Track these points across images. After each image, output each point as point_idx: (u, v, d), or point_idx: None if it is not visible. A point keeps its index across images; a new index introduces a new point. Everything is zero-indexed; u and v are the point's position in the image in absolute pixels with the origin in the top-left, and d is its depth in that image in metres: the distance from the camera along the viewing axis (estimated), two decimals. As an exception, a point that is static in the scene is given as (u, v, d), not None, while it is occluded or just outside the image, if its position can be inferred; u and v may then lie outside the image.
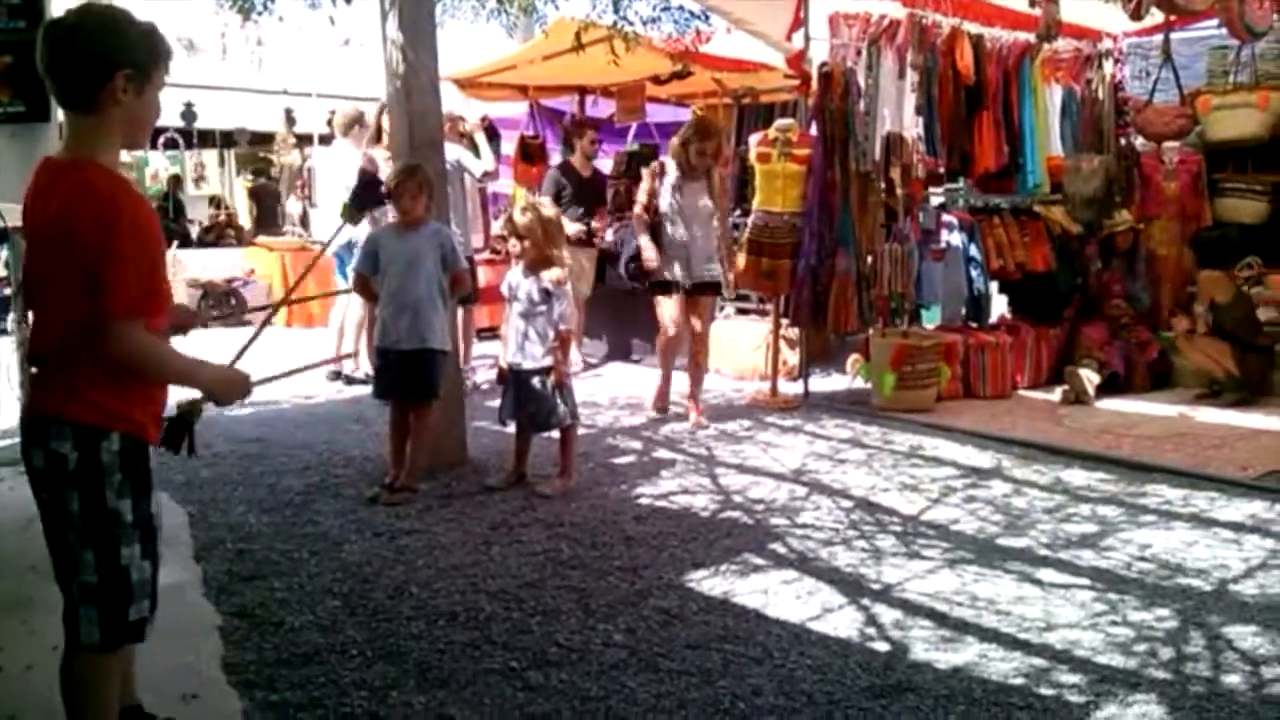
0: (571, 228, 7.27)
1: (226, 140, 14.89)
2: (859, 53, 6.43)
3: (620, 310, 7.88)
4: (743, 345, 7.48)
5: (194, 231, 14.01)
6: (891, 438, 5.78)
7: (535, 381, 4.68)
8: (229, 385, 2.38)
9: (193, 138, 14.02)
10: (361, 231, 5.99)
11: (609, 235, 7.96)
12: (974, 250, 7.14)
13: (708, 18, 7.30)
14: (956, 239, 7.11)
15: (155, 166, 15.75)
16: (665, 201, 6.03)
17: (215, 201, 15.15)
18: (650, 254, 6.00)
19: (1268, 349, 6.56)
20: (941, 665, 3.00)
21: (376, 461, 5.08)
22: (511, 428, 4.90)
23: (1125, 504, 4.56)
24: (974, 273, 7.19)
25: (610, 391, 7.04)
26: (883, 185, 6.50)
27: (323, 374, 7.04)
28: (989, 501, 4.61)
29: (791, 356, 7.11)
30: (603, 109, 9.91)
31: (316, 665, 2.99)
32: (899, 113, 6.50)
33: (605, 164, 9.40)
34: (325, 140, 10.88)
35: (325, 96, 12.24)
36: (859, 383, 6.68)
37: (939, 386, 6.44)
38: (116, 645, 2.23)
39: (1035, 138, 7.20)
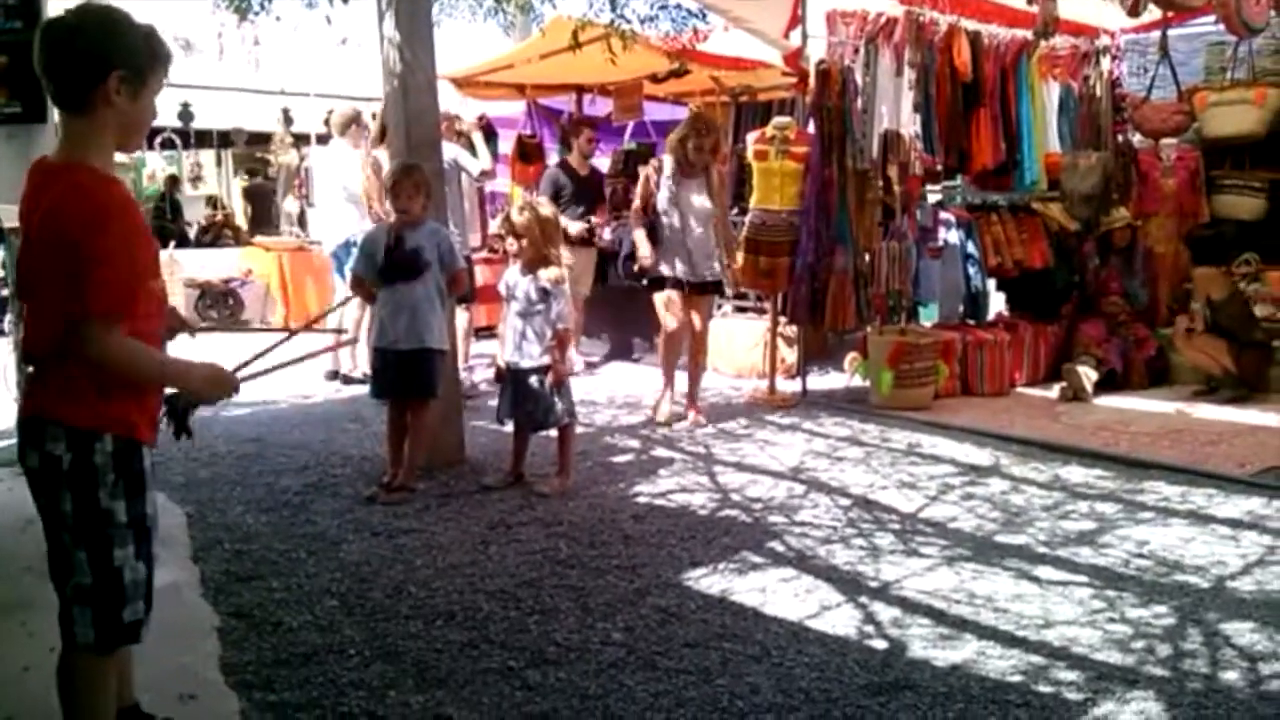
0: (574, 227, 7.26)
1: (223, 140, 14.90)
2: (856, 50, 6.42)
3: (620, 310, 7.87)
4: (740, 343, 7.48)
5: (191, 232, 14.02)
6: (889, 435, 5.78)
7: (533, 380, 4.68)
8: (213, 383, 2.35)
9: (189, 138, 14.01)
10: (361, 232, 5.99)
11: (607, 234, 7.96)
12: (971, 248, 7.13)
13: (705, 16, 7.31)
14: (954, 236, 7.10)
15: (152, 167, 15.77)
16: (663, 198, 6.01)
17: (212, 201, 15.14)
18: (645, 250, 5.98)
19: (1265, 345, 6.56)
20: (939, 663, 3.00)
21: (374, 461, 5.08)
22: (509, 427, 4.90)
23: (1123, 501, 4.56)
24: (971, 270, 7.18)
25: (609, 391, 7.04)
26: (880, 183, 6.49)
27: (321, 374, 7.04)
28: (987, 499, 4.61)
29: (789, 354, 7.11)
30: (600, 108, 9.90)
31: (314, 665, 3.00)
32: (896, 110, 6.49)
33: (603, 163, 9.39)
34: (322, 140, 10.87)
35: (322, 96, 12.20)
36: (857, 380, 6.67)
37: (937, 384, 6.44)
38: (112, 646, 2.23)
39: (1033, 135, 7.19)
